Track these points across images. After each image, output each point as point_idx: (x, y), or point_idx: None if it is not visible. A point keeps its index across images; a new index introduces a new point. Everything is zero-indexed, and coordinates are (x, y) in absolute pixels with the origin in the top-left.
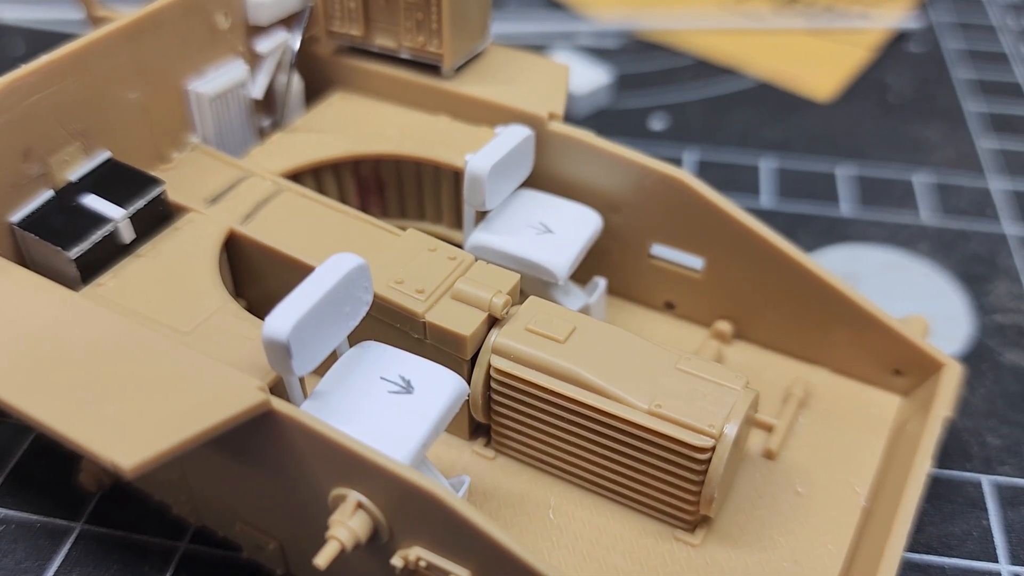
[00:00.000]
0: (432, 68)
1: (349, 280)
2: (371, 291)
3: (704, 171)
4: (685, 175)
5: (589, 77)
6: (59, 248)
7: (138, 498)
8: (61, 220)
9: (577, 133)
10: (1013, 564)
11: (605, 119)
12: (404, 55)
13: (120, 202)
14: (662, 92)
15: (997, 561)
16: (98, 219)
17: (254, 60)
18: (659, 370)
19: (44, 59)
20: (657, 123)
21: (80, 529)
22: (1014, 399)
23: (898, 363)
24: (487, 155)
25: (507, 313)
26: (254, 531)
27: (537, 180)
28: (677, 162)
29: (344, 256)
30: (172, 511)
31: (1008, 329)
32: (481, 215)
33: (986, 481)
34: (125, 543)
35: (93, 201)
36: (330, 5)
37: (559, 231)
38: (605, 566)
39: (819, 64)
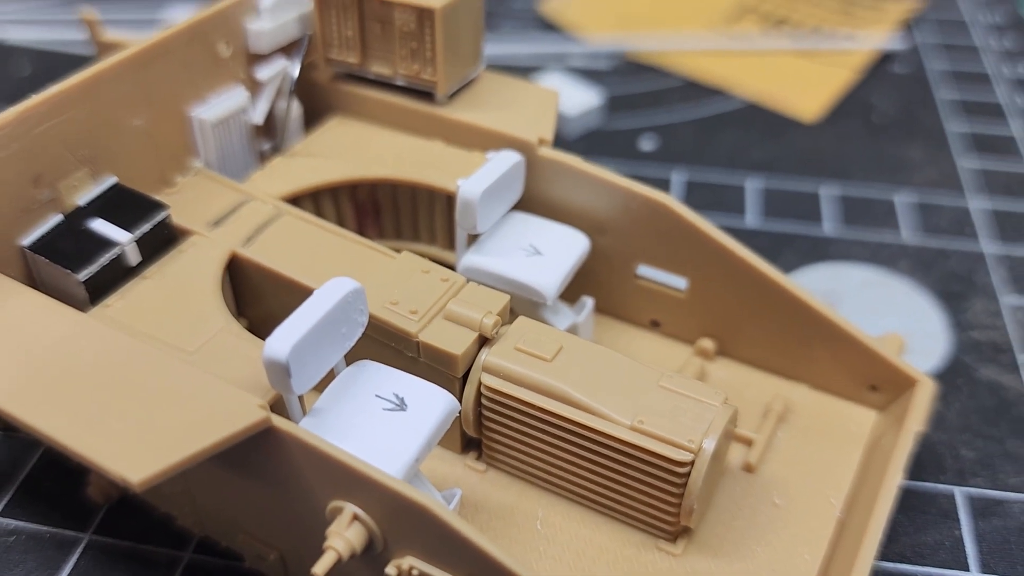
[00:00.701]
0: (426, 95)
1: (346, 303)
2: (366, 313)
3: (691, 191)
4: (669, 199)
5: (580, 99)
6: (68, 271)
7: (144, 510)
8: (70, 243)
9: (565, 158)
10: (984, 573)
11: (596, 140)
12: (399, 82)
13: (127, 226)
14: (652, 113)
15: (968, 570)
16: (105, 243)
17: (255, 87)
18: (642, 387)
19: (54, 89)
20: (647, 144)
21: (88, 540)
22: (988, 414)
23: (874, 379)
24: (479, 180)
25: (497, 333)
26: (256, 542)
27: (527, 203)
28: (666, 182)
29: (341, 280)
30: (177, 522)
31: (984, 345)
32: (473, 237)
33: (959, 493)
34: (131, 553)
35: (101, 225)
36: (328, 33)
37: (548, 253)
38: (590, 575)
39: (806, 85)
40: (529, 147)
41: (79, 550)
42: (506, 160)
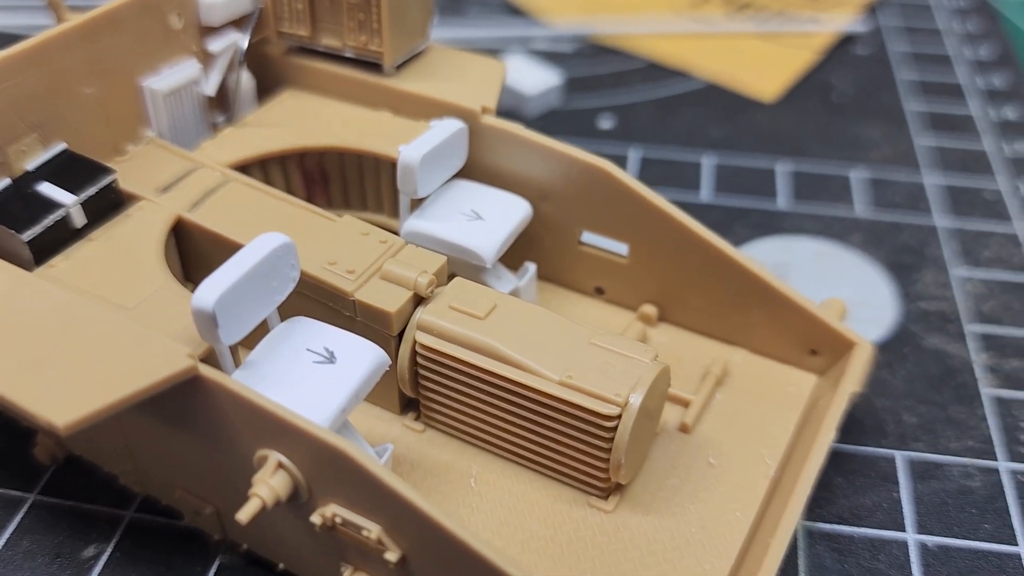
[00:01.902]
0: (375, 66)
1: (275, 256)
2: (298, 268)
3: (647, 168)
4: (608, 164)
5: (540, 78)
6: (13, 231)
7: (89, 471)
8: (17, 206)
9: (508, 126)
10: (919, 533)
11: (554, 119)
12: (348, 54)
13: (73, 189)
14: (612, 94)
15: (904, 530)
16: (51, 204)
17: (207, 59)
18: (573, 344)
19: (2, 54)
20: (605, 123)
21: (33, 500)
22: (933, 381)
23: (813, 343)
24: (419, 146)
25: (432, 292)
26: (192, 497)
27: (471, 171)
28: (622, 159)
29: (271, 235)
30: (119, 481)
31: (932, 315)
32: (416, 203)
33: (899, 456)
34: (75, 512)
35: (47, 188)
36: (279, 7)
37: (489, 217)
38: (520, 530)
39: (767, 66)
40: (472, 115)
41: (23, 510)
42: (448, 127)
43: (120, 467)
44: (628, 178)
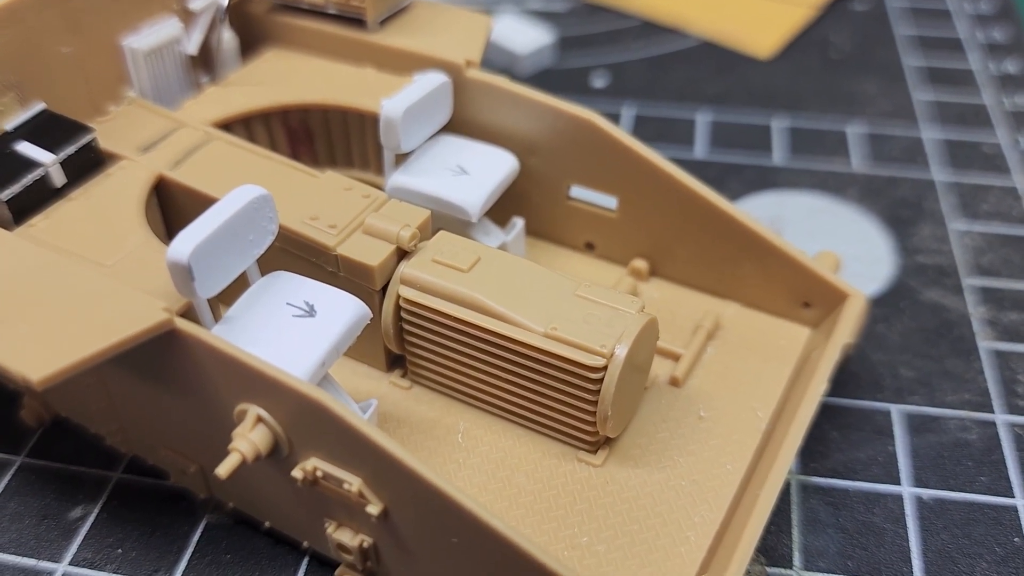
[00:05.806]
0: (359, 22)
1: (251, 209)
2: (276, 220)
3: (640, 125)
4: (595, 116)
5: (532, 37)
6: None
7: (76, 432)
8: None
9: (493, 79)
10: (915, 486)
11: (547, 78)
12: (331, 10)
13: (51, 148)
14: (606, 52)
15: (900, 484)
16: (30, 164)
17: (188, 17)
18: (558, 296)
19: None
20: (598, 81)
21: (21, 462)
22: (930, 334)
23: (806, 296)
24: (401, 99)
25: (415, 246)
26: (176, 455)
27: (458, 126)
28: (615, 116)
29: (247, 187)
30: (106, 442)
31: (929, 269)
32: (401, 159)
33: (895, 410)
34: (63, 474)
35: (26, 148)
36: None
37: (474, 172)
38: (508, 485)
39: (763, 23)
40: (457, 69)
41: (11, 472)
42: (431, 81)
43: (106, 427)
44: (616, 130)
